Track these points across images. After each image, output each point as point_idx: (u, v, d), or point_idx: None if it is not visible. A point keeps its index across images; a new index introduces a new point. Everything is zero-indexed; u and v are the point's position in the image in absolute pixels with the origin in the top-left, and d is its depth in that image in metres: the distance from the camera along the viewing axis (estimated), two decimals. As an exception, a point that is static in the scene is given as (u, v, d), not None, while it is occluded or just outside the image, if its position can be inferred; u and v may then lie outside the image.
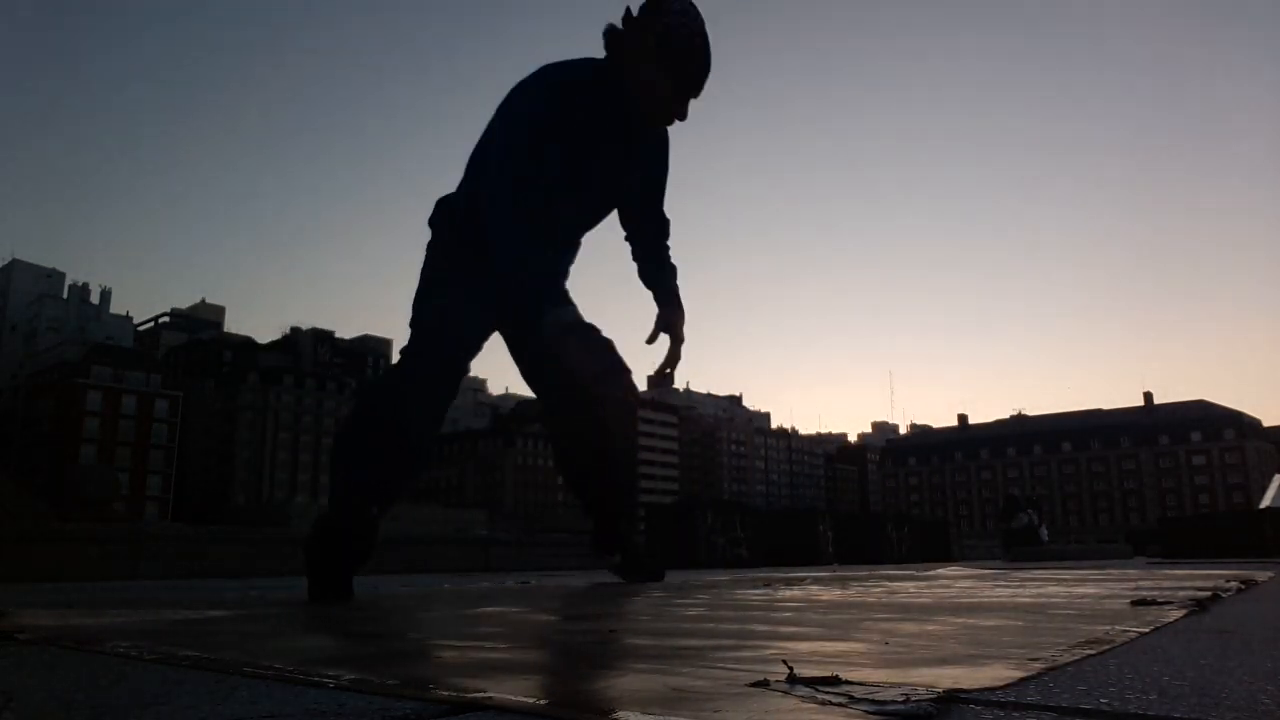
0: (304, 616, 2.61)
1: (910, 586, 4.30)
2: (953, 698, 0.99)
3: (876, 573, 6.59)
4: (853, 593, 3.68)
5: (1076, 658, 1.35)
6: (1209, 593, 2.78)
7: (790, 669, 1.13)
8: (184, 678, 1.27)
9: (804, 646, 1.67)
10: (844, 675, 1.13)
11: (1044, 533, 18.14)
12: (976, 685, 1.08)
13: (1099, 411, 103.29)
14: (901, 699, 0.97)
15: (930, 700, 0.96)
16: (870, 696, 0.99)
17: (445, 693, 1.08)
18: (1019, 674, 1.17)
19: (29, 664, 1.47)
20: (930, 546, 16.66)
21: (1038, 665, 1.25)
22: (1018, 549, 16.27)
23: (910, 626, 2.21)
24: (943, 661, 1.38)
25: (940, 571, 6.48)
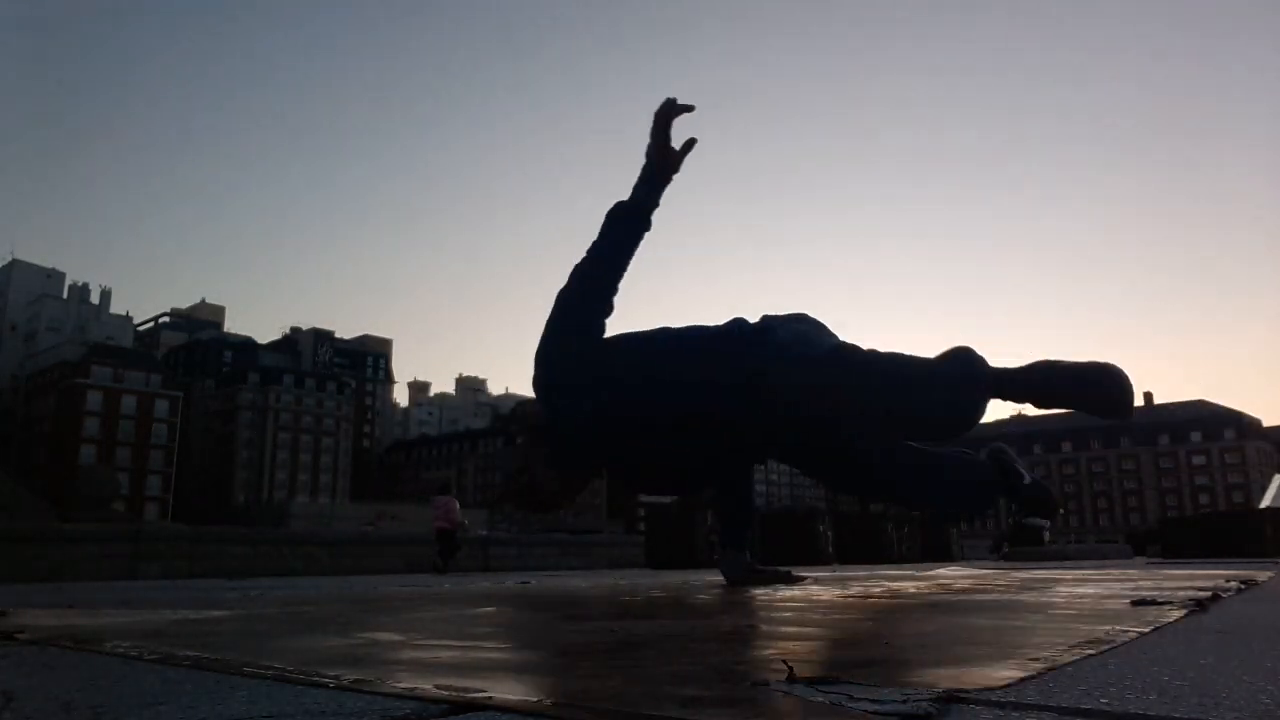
0: (304, 616, 2.61)
1: (910, 587, 4.30)
2: (952, 698, 0.99)
3: (876, 573, 6.59)
4: (852, 593, 3.68)
5: (1076, 658, 1.35)
6: (1209, 593, 2.78)
7: (790, 669, 1.13)
8: (184, 678, 1.27)
9: (804, 646, 1.67)
10: (843, 675, 1.13)
11: (1045, 533, 18.15)
12: (976, 685, 1.08)
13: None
14: (901, 699, 0.97)
15: (930, 700, 0.96)
16: (869, 696, 0.99)
17: (445, 693, 1.08)
18: (1019, 674, 1.17)
19: (29, 664, 1.47)
20: (930, 546, 16.67)
21: (1038, 665, 1.25)
22: (1017, 549, 16.27)
23: (910, 626, 2.21)
24: (943, 662, 1.38)
25: (940, 571, 6.48)
